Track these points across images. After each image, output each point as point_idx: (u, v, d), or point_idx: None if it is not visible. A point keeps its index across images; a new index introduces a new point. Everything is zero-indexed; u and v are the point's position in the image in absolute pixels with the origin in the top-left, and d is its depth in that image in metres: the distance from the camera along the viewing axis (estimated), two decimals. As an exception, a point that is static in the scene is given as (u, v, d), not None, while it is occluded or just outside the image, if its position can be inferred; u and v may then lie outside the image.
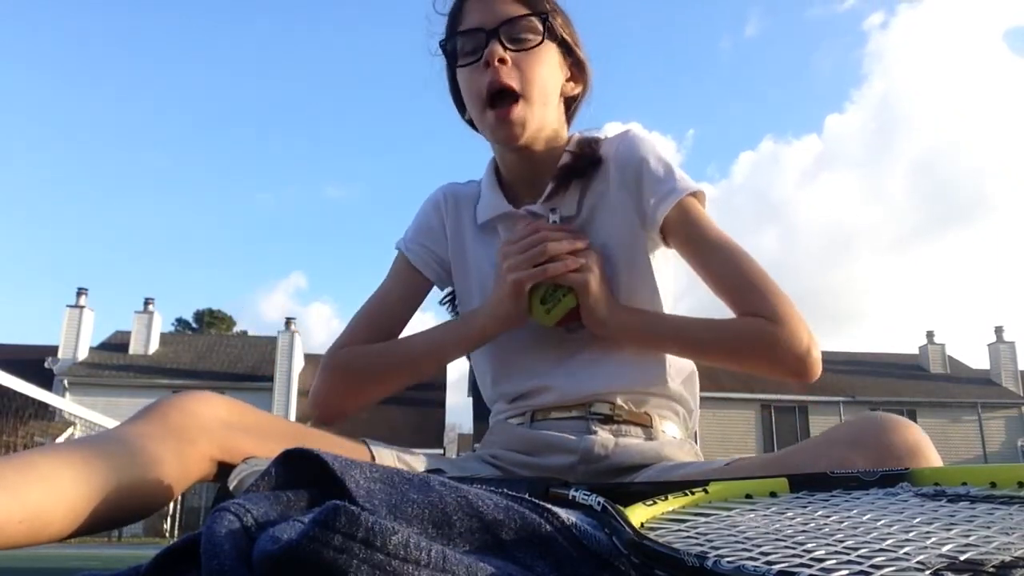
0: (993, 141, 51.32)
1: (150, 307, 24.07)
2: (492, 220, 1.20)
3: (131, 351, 23.42)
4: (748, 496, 0.70)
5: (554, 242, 1.06)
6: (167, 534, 16.42)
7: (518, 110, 1.09)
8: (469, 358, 1.25)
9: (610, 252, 1.13)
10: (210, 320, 39.83)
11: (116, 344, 23.94)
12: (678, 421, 1.15)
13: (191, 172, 45.18)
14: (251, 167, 46.49)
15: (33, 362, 20.40)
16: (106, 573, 0.64)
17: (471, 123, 1.21)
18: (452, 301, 1.27)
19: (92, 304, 23.09)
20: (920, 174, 53.11)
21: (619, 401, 1.09)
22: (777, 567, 0.45)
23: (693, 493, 0.68)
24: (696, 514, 0.63)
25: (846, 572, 0.44)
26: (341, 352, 1.17)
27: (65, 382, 21.25)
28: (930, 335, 26.84)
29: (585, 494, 0.66)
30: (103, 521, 0.82)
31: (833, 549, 0.49)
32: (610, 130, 1.24)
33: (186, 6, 44.57)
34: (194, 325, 39.61)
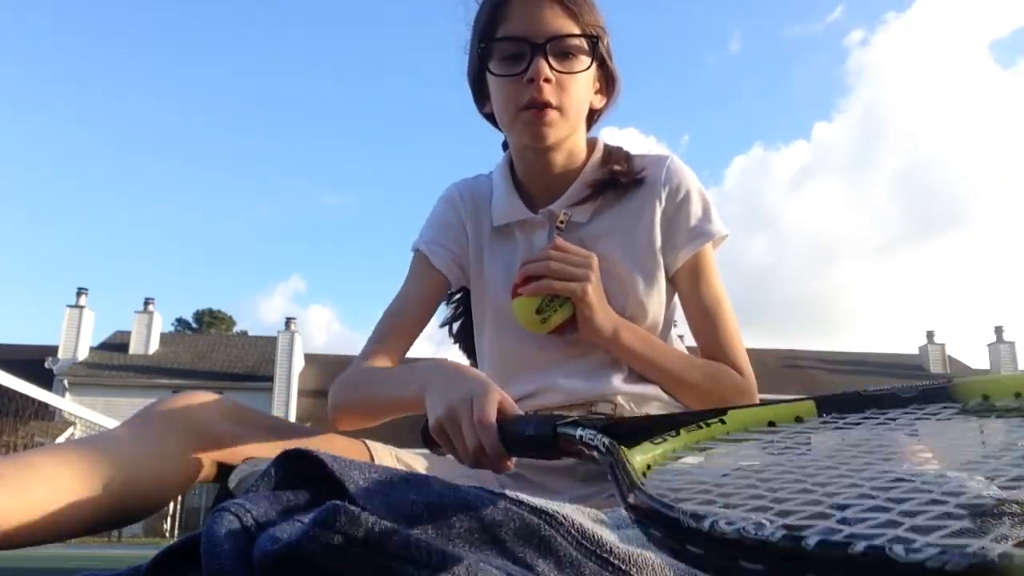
0: (989, 143, 51.35)
1: (150, 307, 24.07)
2: (510, 224, 1.19)
3: (131, 351, 23.41)
4: (771, 424, 0.61)
5: (556, 262, 1.06)
6: (167, 534, 16.41)
7: (553, 114, 1.08)
8: (471, 357, 1.26)
9: (622, 269, 1.13)
10: (210, 320, 39.84)
11: (116, 344, 23.94)
12: (678, 422, 1.15)
13: (192, 173, 45.20)
14: (251, 171, 46.51)
15: (33, 362, 20.39)
16: (106, 573, 0.64)
17: (488, 117, 1.20)
18: (451, 323, 1.29)
19: (92, 304, 23.14)
20: (917, 175, 53.17)
21: (620, 401, 1.10)
22: (783, 521, 0.38)
23: (708, 425, 0.61)
24: (707, 453, 0.57)
25: (872, 523, 0.36)
26: (341, 380, 1.14)
27: (65, 382, 21.25)
28: (930, 335, 26.83)
29: (592, 434, 0.62)
30: (104, 521, 0.83)
31: (860, 491, 0.41)
32: (607, 135, 1.23)
33: (190, 8, 44.61)
34: (194, 325, 39.63)
